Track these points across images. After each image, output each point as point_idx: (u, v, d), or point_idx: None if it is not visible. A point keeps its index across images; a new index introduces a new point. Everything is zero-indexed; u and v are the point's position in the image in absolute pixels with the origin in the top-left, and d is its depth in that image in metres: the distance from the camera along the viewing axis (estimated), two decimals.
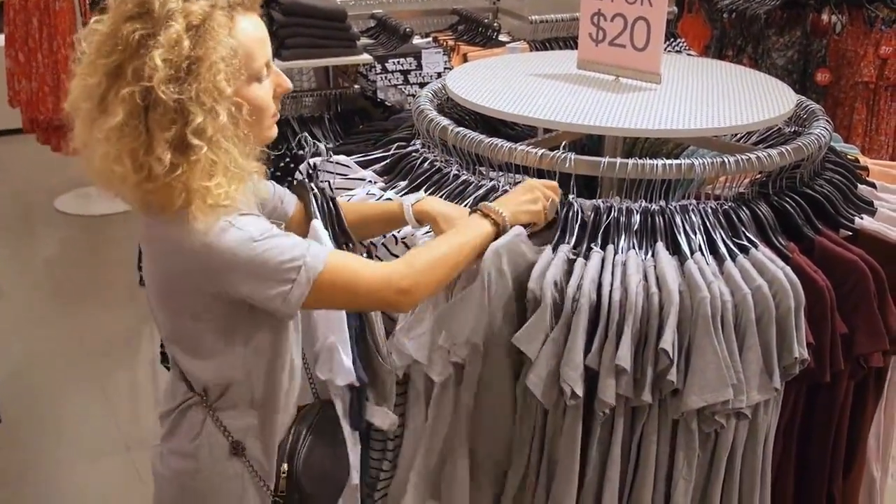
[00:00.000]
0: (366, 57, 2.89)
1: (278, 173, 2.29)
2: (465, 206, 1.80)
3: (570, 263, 1.65)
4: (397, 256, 1.75)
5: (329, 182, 2.03)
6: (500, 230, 1.61)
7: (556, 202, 1.70)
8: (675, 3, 4.18)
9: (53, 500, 2.90)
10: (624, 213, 1.70)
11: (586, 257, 1.65)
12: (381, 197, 1.90)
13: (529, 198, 1.66)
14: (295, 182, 1.85)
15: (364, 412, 1.70)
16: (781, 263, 1.63)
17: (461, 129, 1.87)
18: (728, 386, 1.56)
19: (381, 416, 1.73)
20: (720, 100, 2.00)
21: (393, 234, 1.81)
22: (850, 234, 1.81)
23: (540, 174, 1.80)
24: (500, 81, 2.11)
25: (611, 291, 1.58)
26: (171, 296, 1.45)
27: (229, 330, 1.45)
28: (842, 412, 1.79)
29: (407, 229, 1.77)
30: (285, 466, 1.56)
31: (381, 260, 1.80)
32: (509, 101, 1.95)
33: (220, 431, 1.51)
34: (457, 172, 1.90)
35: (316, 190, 1.69)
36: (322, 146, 2.30)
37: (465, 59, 3.20)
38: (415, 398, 1.79)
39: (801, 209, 1.79)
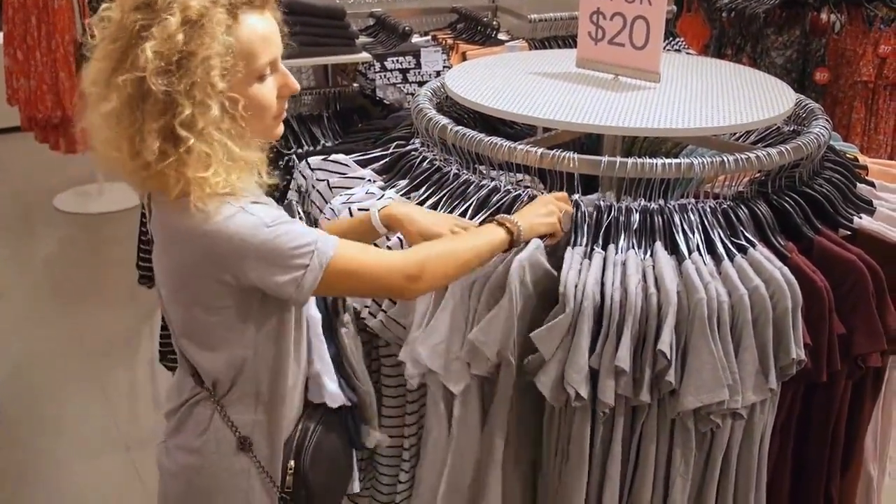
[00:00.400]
0: (365, 55, 2.89)
1: (277, 172, 2.28)
2: (467, 206, 1.80)
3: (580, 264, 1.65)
4: None
5: (327, 181, 2.03)
6: (513, 238, 1.61)
7: (570, 213, 1.70)
8: (675, 2, 4.17)
9: (53, 500, 2.90)
10: (623, 212, 1.71)
11: (589, 258, 1.66)
12: (381, 196, 1.90)
13: (545, 211, 1.66)
14: (284, 203, 1.86)
15: (361, 433, 1.70)
16: (779, 263, 1.63)
17: (460, 127, 1.87)
18: (724, 387, 1.56)
19: (369, 436, 1.73)
20: (719, 99, 2.00)
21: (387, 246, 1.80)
22: (849, 233, 1.81)
23: (540, 172, 1.80)
24: (499, 80, 2.11)
25: (612, 292, 1.58)
26: (182, 287, 1.46)
27: (241, 319, 1.46)
28: (839, 411, 1.79)
29: (394, 240, 1.76)
30: (292, 463, 1.56)
31: None
32: (508, 100, 1.95)
33: (228, 427, 1.52)
34: (457, 171, 1.90)
35: (301, 213, 1.68)
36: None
37: (464, 57, 3.19)
38: (433, 408, 1.78)
39: (800, 208, 1.79)
